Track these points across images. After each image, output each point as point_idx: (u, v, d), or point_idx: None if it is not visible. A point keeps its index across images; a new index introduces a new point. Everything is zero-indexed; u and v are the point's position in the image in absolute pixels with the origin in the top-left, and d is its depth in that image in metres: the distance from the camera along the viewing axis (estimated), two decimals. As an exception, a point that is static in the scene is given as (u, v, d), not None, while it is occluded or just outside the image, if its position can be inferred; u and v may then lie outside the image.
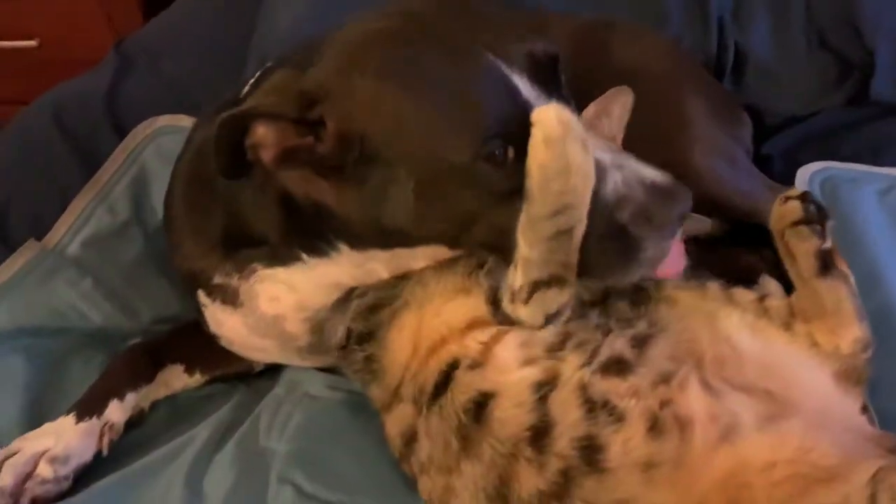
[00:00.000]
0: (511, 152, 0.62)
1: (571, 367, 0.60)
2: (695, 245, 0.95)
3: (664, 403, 0.58)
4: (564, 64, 0.92)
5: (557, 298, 0.62)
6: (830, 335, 0.66)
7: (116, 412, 0.81)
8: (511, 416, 0.60)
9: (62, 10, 1.78)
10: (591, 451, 0.56)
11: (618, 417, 0.57)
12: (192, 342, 0.90)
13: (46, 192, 1.03)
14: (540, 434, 0.58)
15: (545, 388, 0.60)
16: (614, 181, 0.63)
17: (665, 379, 0.60)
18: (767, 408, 0.58)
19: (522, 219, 0.61)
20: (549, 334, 0.63)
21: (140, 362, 0.87)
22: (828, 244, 0.67)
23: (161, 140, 1.08)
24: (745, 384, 0.60)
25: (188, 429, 0.82)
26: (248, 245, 0.76)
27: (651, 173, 0.64)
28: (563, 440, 0.57)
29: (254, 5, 1.34)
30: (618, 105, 0.77)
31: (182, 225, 0.84)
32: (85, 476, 0.77)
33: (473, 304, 0.67)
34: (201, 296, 0.83)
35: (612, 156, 0.64)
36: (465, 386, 0.63)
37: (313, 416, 0.81)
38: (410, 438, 0.66)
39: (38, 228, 0.99)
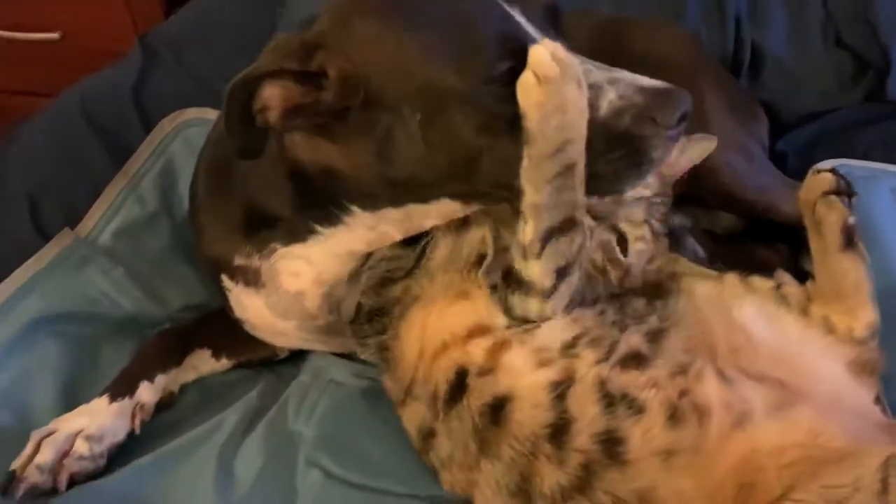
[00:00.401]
0: (514, 75, 0.62)
1: (587, 364, 0.62)
2: (711, 239, 0.97)
3: (682, 393, 0.60)
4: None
5: (570, 247, 0.64)
6: (846, 316, 0.68)
7: (147, 393, 0.84)
8: (529, 416, 0.61)
9: (84, 2, 1.80)
10: (611, 444, 0.58)
11: (637, 409, 0.59)
12: (218, 328, 0.93)
13: (77, 181, 1.05)
14: (559, 431, 0.59)
15: (562, 386, 0.61)
16: (609, 99, 0.64)
17: (682, 370, 0.61)
18: (778, 395, 0.60)
19: (525, 164, 0.62)
20: (565, 333, 0.65)
21: (169, 346, 0.90)
22: (853, 219, 0.69)
23: (188, 132, 1.10)
24: (758, 373, 0.62)
25: (217, 412, 0.84)
26: (266, 226, 0.79)
27: (647, 81, 0.65)
28: (583, 436, 0.59)
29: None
30: (698, 149, 0.79)
31: (204, 211, 0.87)
32: (119, 456, 0.79)
33: (472, 310, 0.68)
34: (225, 280, 0.86)
35: (606, 74, 0.65)
36: (479, 392, 0.64)
37: (339, 403, 0.84)
38: (428, 435, 0.68)
39: (70, 217, 1.01)
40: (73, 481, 0.75)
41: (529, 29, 0.65)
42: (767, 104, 1.11)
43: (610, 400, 0.60)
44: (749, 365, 0.63)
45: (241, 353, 0.95)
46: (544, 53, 0.59)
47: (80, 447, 0.76)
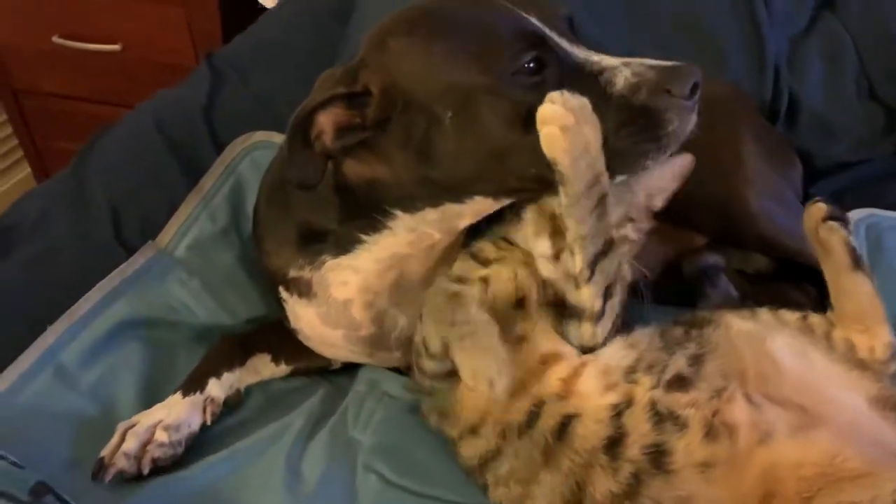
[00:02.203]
0: (539, 64, 0.69)
1: (644, 389, 0.69)
2: (743, 279, 1.03)
3: (715, 413, 0.66)
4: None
5: (612, 265, 0.72)
6: (866, 336, 0.75)
7: (215, 388, 0.91)
8: (591, 432, 0.67)
9: (146, 16, 1.87)
10: (658, 456, 0.64)
11: (682, 426, 0.66)
12: (276, 336, 1.00)
13: (153, 194, 1.13)
14: (614, 444, 0.66)
15: (621, 406, 0.68)
16: (624, 76, 0.70)
17: (718, 393, 0.68)
18: (799, 419, 0.66)
19: (564, 202, 0.69)
20: (625, 359, 0.72)
21: (233, 349, 0.97)
22: (854, 241, 0.76)
23: (256, 154, 1.17)
24: (783, 398, 0.68)
25: (281, 417, 0.91)
26: (317, 240, 0.87)
27: (656, 61, 0.72)
28: (635, 448, 0.65)
29: (340, 21, 1.43)
30: (671, 170, 0.84)
31: (264, 227, 0.95)
32: (194, 454, 0.86)
33: (541, 343, 0.75)
34: (282, 291, 0.94)
35: (619, 59, 0.72)
36: (553, 413, 0.70)
37: (393, 414, 0.90)
38: (489, 460, 0.74)
39: (148, 227, 1.09)
40: (156, 466, 0.82)
41: (546, 31, 0.72)
42: (802, 151, 1.16)
43: (659, 417, 0.66)
44: (775, 391, 0.69)
45: (298, 359, 1.02)
46: (557, 108, 0.66)
47: (160, 436, 0.84)
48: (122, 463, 0.81)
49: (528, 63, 0.70)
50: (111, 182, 1.14)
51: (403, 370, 0.99)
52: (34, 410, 0.87)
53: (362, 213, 0.81)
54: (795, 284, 1.03)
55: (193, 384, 0.91)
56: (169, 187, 1.14)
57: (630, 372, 0.71)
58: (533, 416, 0.71)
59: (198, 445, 0.87)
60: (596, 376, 0.71)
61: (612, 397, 0.69)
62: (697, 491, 0.63)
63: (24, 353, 0.90)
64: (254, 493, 0.81)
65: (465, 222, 0.81)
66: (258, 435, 0.88)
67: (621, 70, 0.71)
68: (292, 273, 0.90)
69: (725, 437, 0.65)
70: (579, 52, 0.73)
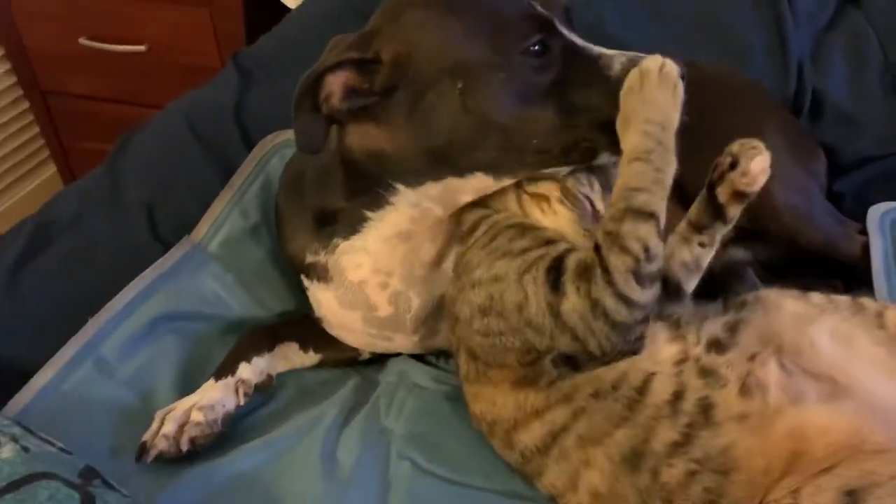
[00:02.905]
0: (545, 47, 0.75)
1: (691, 345, 0.74)
2: (771, 273, 1.04)
3: (749, 373, 0.71)
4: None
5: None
6: None
7: (245, 371, 0.94)
8: (662, 387, 0.72)
9: (171, 18, 1.90)
10: (706, 409, 0.70)
11: (723, 383, 0.71)
12: (304, 327, 1.03)
13: (187, 191, 1.15)
14: (677, 397, 0.71)
15: (680, 360, 0.73)
16: (620, 62, 0.76)
17: (752, 357, 0.73)
18: (830, 389, 0.70)
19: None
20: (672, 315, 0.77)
21: (261, 336, 1.00)
22: None
23: (285, 151, 1.19)
24: (816, 371, 0.72)
25: (314, 407, 0.94)
26: (329, 223, 0.91)
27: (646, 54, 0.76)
28: (690, 401, 0.70)
29: (363, 19, 1.43)
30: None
31: (283, 217, 1.00)
32: (233, 443, 0.88)
33: None
34: (303, 279, 0.98)
35: (613, 51, 0.78)
36: (637, 371, 0.74)
37: (424, 404, 0.93)
38: (556, 436, 0.75)
39: (182, 224, 1.11)
40: (195, 448, 0.85)
41: (551, 17, 0.76)
42: (826, 147, 1.17)
43: (705, 373, 0.72)
44: (808, 364, 0.73)
45: (327, 348, 1.04)
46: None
47: (196, 416, 0.86)
48: (162, 445, 0.84)
49: (535, 45, 0.74)
50: (145, 180, 1.16)
51: (427, 358, 1.02)
52: (76, 400, 0.89)
53: (366, 187, 0.85)
54: (822, 279, 1.04)
55: (225, 369, 0.94)
56: (201, 185, 1.16)
57: (676, 327, 0.76)
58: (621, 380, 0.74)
59: (235, 434, 0.90)
60: (665, 326, 0.76)
61: (675, 350, 0.74)
62: (736, 440, 0.68)
63: (66, 345, 0.93)
64: (292, 479, 0.83)
65: (466, 198, 0.84)
66: (293, 423, 0.90)
67: (617, 57, 0.77)
68: (309, 258, 0.94)
69: (758, 394, 0.70)
70: (578, 40, 0.78)
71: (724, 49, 1.25)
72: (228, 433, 0.89)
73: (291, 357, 1.03)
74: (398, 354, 1.04)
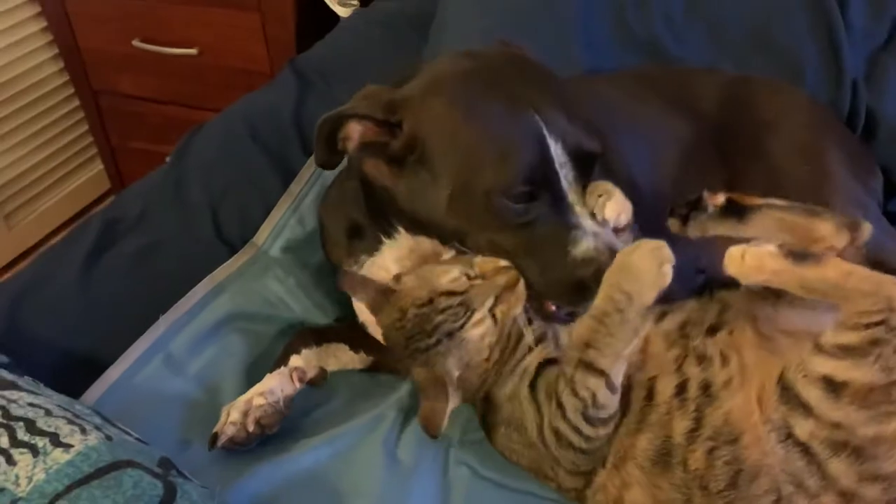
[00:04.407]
0: (529, 197, 0.77)
1: (692, 341, 0.80)
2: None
3: (728, 344, 0.79)
4: (713, 119, 1.05)
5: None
6: None
7: (298, 360, 0.98)
8: (665, 385, 0.77)
9: (223, 22, 1.94)
10: (706, 388, 0.76)
11: (710, 360, 0.78)
12: (355, 330, 1.05)
13: (248, 193, 1.19)
14: (682, 389, 0.76)
15: (681, 358, 0.79)
16: (587, 246, 0.78)
17: (730, 331, 0.80)
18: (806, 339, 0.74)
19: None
20: (677, 319, 0.83)
21: (308, 333, 1.03)
22: None
23: (340, 160, 1.23)
24: (790, 330, 0.77)
25: (372, 408, 0.96)
26: (357, 237, 0.96)
27: (620, 245, 0.78)
28: (693, 387, 0.76)
29: (416, 28, 1.48)
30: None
31: (325, 226, 1.04)
32: (296, 439, 0.91)
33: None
34: None
35: (594, 226, 0.79)
36: (640, 383, 0.78)
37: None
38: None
39: (245, 224, 1.15)
40: (262, 427, 0.88)
41: (558, 169, 0.78)
42: (880, 166, 1.17)
43: (703, 359, 0.78)
44: (782, 326, 0.78)
45: (377, 352, 1.06)
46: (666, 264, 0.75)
47: (257, 400, 0.90)
48: (230, 431, 0.87)
49: (524, 191, 0.78)
50: (209, 181, 1.20)
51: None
52: (147, 394, 0.93)
53: (381, 211, 0.90)
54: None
55: (278, 363, 0.98)
56: (263, 188, 1.20)
57: (682, 327, 0.82)
58: (626, 397, 0.78)
59: (297, 431, 0.92)
60: (661, 338, 0.81)
61: (675, 351, 0.80)
62: (730, 403, 0.74)
63: (138, 341, 0.96)
64: (356, 474, 0.85)
65: (446, 255, 0.89)
66: (355, 423, 0.93)
67: (588, 239, 0.78)
68: (345, 269, 0.98)
69: (734, 357, 0.77)
70: (571, 196, 0.79)
71: (777, 66, 1.25)
72: (291, 430, 0.92)
73: (341, 356, 1.06)
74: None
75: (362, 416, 0.94)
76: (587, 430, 0.76)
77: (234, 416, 0.88)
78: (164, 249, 1.08)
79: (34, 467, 0.68)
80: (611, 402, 0.76)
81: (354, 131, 0.82)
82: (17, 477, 0.68)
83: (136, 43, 2.01)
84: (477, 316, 0.81)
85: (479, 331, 0.81)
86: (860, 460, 0.68)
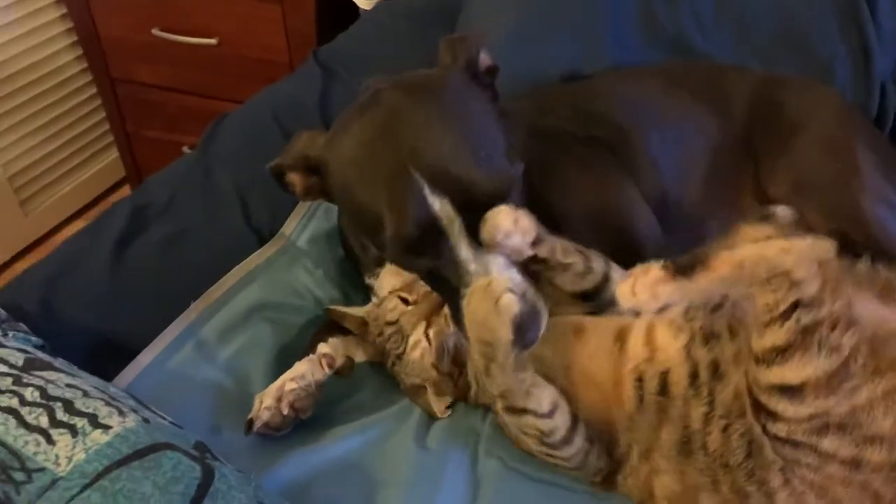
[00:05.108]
0: (422, 254, 0.77)
1: (698, 323, 0.78)
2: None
3: (732, 315, 0.76)
4: (743, 117, 1.05)
5: None
6: None
7: (325, 348, 0.97)
8: (679, 375, 0.76)
9: (244, 13, 1.94)
10: (714, 368, 0.74)
11: (718, 337, 0.75)
12: None
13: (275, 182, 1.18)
14: (693, 375, 0.75)
15: (688, 342, 0.77)
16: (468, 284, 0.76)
17: (734, 304, 0.76)
18: None
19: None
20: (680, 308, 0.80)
21: (333, 325, 1.04)
22: None
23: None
24: None
25: (399, 399, 0.96)
26: (364, 251, 0.99)
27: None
28: (704, 372, 0.75)
29: (441, 20, 1.47)
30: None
31: (347, 237, 1.06)
32: (327, 428, 0.91)
33: (602, 334, 0.82)
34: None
35: (493, 262, 0.76)
36: (652, 376, 0.77)
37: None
38: (621, 463, 0.80)
39: (275, 214, 1.16)
40: (295, 410, 0.88)
41: (446, 222, 0.75)
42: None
43: (708, 339, 0.76)
44: None
45: None
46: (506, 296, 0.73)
47: (290, 385, 0.90)
48: (265, 415, 0.88)
49: (412, 248, 0.76)
50: (236, 170, 1.20)
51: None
52: (179, 379, 0.93)
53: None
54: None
55: (307, 351, 0.98)
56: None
57: (686, 312, 0.79)
58: (639, 389, 0.77)
59: (327, 420, 0.93)
60: (667, 327, 0.79)
61: (683, 338, 0.77)
62: (738, 377, 0.72)
63: (170, 326, 0.97)
64: (387, 463, 0.86)
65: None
66: (385, 413, 0.93)
67: (470, 277, 0.76)
68: (368, 280, 1.02)
69: (742, 331, 0.74)
70: (463, 244, 0.76)
71: (805, 65, 1.25)
72: (321, 419, 0.92)
73: (367, 348, 1.05)
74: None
75: (392, 406, 0.94)
76: (559, 453, 0.79)
77: (267, 402, 0.88)
78: (193, 237, 1.09)
79: (74, 447, 0.68)
80: (554, 425, 0.77)
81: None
82: (56, 457, 0.68)
83: (155, 32, 2.01)
84: (412, 340, 0.90)
85: (417, 353, 0.90)
86: (847, 431, 0.65)
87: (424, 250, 0.77)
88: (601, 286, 0.85)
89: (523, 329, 0.72)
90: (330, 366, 0.94)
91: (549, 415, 0.77)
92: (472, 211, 0.75)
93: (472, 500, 0.82)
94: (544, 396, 0.77)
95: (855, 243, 1.01)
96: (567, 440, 0.78)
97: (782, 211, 0.94)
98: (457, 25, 1.43)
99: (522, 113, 1.07)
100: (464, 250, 0.76)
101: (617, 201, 1.03)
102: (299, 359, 0.96)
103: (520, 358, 0.74)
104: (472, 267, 0.75)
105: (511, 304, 0.71)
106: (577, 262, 0.83)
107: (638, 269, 0.71)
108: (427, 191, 0.74)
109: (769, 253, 0.66)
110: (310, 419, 0.90)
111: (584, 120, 1.09)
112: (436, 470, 0.85)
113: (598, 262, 0.85)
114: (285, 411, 0.87)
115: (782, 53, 1.26)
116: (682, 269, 0.70)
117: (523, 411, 0.77)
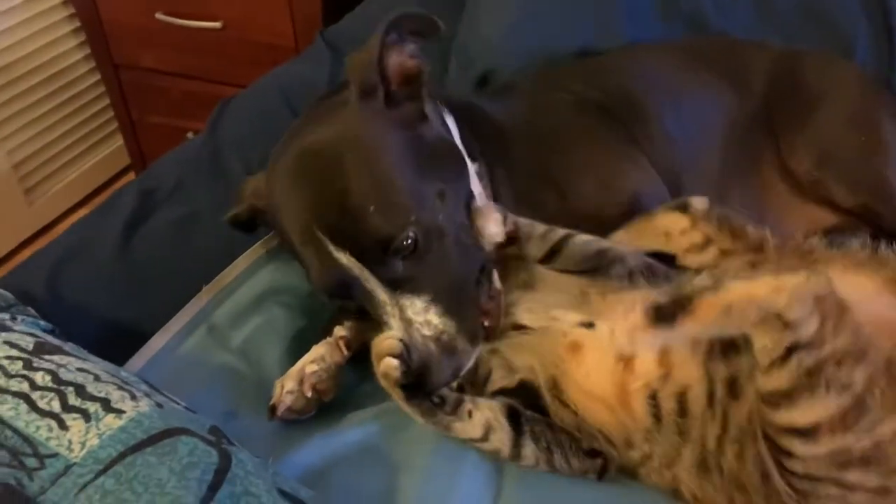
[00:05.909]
0: (348, 298, 0.82)
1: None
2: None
3: None
4: (763, 92, 1.03)
5: None
6: None
7: (341, 331, 0.95)
8: (697, 395, 0.71)
9: (249, -4, 1.92)
10: (733, 385, 0.69)
11: (737, 349, 0.69)
12: None
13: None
14: (711, 395, 0.70)
15: (708, 354, 0.71)
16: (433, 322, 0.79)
17: None
18: None
19: None
20: None
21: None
22: None
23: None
24: None
25: (418, 385, 0.94)
26: None
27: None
28: (720, 389, 0.69)
29: (452, 4, 1.45)
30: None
31: None
32: (344, 414, 0.89)
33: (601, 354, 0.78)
34: None
35: (402, 332, 0.79)
36: (667, 396, 0.72)
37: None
38: (642, 463, 0.77)
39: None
40: (318, 392, 0.87)
41: (358, 274, 0.80)
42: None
43: (727, 350, 0.70)
44: None
45: None
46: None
47: (310, 368, 0.88)
48: (288, 399, 0.86)
49: (335, 296, 0.83)
50: (245, 152, 1.19)
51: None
52: (191, 364, 0.91)
53: None
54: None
55: (323, 335, 0.96)
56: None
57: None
58: (653, 407, 0.73)
59: (344, 406, 0.90)
60: (682, 343, 0.73)
61: (701, 350, 0.72)
62: (753, 399, 0.66)
63: (182, 311, 0.95)
64: (406, 449, 0.83)
65: None
66: (401, 402, 0.91)
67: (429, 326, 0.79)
68: None
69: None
70: (380, 294, 0.80)
71: (826, 39, 1.23)
72: (339, 405, 0.90)
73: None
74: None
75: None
76: (564, 469, 0.77)
77: (289, 386, 0.87)
78: (202, 220, 1.07)
79: (87, 433, 0.67)
80: (493, 447, 0.78)
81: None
82: (70, 442, 0.66)
83: (159, 16, 1.99)
84: None
85: None
86: (873, 464, 0.61)
87: (347, 293, 0.81)
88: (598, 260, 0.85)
89: (428, 374, 0.77)
90: (348, 347, 0.93)
91: (484, 438, 0.77)
92: (377, 256, 0.78)
93: (495, 484, 0.79)
94: (472, 425, 0.78)
95: (881, 216, 0.99)
96: (516, 456, 0.77)
97: (698, 201, 0.91)
98: (466, 6, 1.40)
99: (527, 88, 1.05)
100: (379, 294, 0.80)
101: (622, 167, 1.01)
102: (314, 343, 0.95)
103: (426, 405, 0.77)
104: (388, 309, 0.80)
105: (390, 368, 0.76)
106: (537, 225, 0.86)
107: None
108: (331, 247, 0.79)
109: (759, 293, 0.62)
110: (326, 405, 0.89)
111: (595, 93, 1.07)
112: (456, 457, 0.83)
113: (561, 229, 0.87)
114: (308, 394, 0.86)
115: (802, 29, 1.24)
116: (664, 315, 0.68)
117: (496, 452, 0.78)
